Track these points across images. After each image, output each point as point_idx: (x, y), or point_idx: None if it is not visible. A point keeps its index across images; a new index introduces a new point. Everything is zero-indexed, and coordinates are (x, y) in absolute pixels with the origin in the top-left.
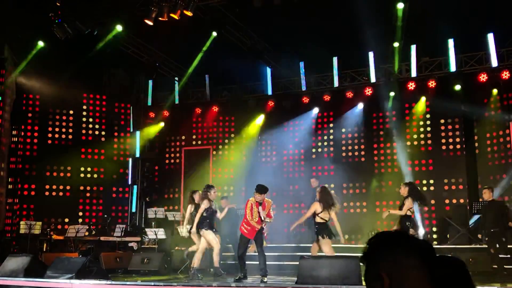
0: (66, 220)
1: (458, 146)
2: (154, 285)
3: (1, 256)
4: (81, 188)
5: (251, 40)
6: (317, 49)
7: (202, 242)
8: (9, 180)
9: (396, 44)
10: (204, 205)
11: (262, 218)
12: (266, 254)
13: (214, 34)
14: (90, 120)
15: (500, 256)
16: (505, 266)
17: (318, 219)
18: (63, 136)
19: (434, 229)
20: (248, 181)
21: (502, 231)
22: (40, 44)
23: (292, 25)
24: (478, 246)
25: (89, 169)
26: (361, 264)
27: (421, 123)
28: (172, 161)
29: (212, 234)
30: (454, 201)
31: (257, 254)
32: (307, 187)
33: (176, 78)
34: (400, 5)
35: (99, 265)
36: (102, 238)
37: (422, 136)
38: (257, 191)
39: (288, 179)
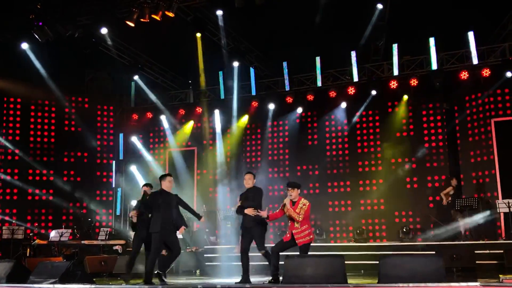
0: (50, 224)
1: (441, 144)
2: None
3: None
4: (65, 191)
5: (234, 41)
6: (299, 49)
7: None
8: None
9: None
10: None
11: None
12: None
13: (198, 35)
14: (73, 123)
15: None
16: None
17: None
18: (45, 139)
19: (418, 226)
20: (233, 181)
21: None
22: (22, 46)
23: (275, 25)
24: (461, 242)
25: (72, 172)
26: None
27: (404, 121)
28: (156, 163)
29: None
30: (438, 198)
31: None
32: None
33: (159, 80)
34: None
35: (84, 269)
36: (86, 242)
37: (405, 134)
38: (290, 186)
39: (273, 179)
